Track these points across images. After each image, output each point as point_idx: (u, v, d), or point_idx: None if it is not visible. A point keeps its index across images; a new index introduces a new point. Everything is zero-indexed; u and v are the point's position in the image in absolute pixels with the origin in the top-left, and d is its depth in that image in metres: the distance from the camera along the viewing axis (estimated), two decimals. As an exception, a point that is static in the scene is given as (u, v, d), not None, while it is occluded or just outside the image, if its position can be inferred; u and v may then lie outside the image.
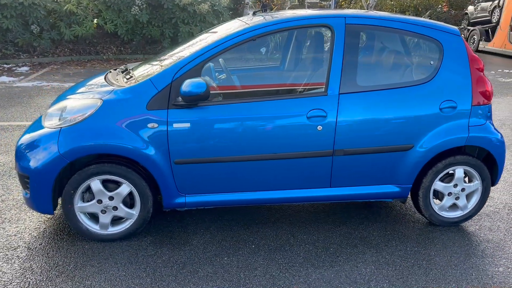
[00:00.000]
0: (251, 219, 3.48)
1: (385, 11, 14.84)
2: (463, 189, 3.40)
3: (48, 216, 3.42)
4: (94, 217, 3.11)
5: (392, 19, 3.26)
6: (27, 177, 2.97)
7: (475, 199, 3.45)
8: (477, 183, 3.41)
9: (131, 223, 3.12)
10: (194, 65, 2.98)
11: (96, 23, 11.08)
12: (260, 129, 3.03)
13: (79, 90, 3.37)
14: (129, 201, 3.09)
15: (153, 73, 3.11)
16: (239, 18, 3.88)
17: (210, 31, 3.76)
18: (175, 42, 11.93)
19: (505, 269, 2.94)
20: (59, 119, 3.02)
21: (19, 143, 3.04)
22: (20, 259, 2.90)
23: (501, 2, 15.63)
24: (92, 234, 3.10)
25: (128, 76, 3.37)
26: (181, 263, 2.91)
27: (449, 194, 3.40)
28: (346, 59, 3.10)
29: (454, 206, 3.45)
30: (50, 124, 3.05)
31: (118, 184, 3.03)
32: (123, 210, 3.07)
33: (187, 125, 2.96)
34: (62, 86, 7.94)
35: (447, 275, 2.87)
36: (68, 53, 11.08)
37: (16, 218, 3.39)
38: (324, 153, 3.13)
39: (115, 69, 3.76)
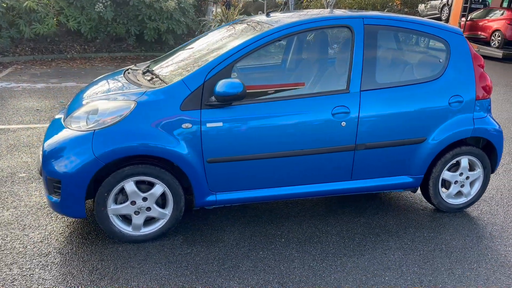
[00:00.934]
0: (273, 215, 3.59)
1: (344, 9, 15.28)
2: (467, 177, 3.68)
3: (70, 219, 3.37)
4: (125, 219, 3.11)
5: (404, 20, 3.47)
6: (58, 181, 2.92)
7: (477, 186, 3.74)
8: (479, 171, 3.70)
9: (164, 223, 3.14)
10: (225, 66, 3.04)
11: (57, 21, 10.69)
12: (288, 126, 3.15)
13: (101, 93, 3.33)
14: (160, 201, 3.11)
15: (181, 74, 3.15)
16: (244, 18, 3.97)
17: (217, 31, 3.84)
18: (141, 39, 11.76)
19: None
20: (87, 122, 2.99)
21: (46, 147, 2.98)
22: (56, 265, 2.85)
23: (449, 1, 16.52)
24: (125, 236, 3.09)
25: (149, 77, 3.37)
26: (220, 259, 2.97)
27: (455, 182, 3.67)
28: (365, 58, 3.27)
29: (459, 193, 3.72)
30: (77, 126, 3.01)
31: (151, 185, 3.04)
32: (156, 211, 3.09)
33: (220, 124, 3.02)
34: (34, 87, 7.67)
35: (467, 256, 3.12)
36: (30, 52, 10.62)
37: (36, 224, 3.31)
38: (347, 148, 3.29)
39: (130, 69, 3.75)
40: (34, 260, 2.89)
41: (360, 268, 2.94)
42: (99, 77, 3.97)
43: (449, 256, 3.12)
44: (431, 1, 18.07)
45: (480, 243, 3.30)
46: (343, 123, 3.22)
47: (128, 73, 3.61)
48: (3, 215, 3.42)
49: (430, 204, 3.81)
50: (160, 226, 3.15)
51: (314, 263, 2.98)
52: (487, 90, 3.60)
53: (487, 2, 17.16)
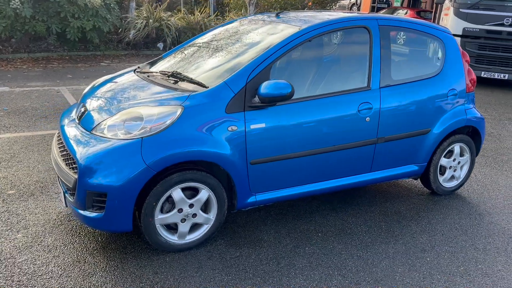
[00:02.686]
0: (297, 211, 3.68)
1: (265, 8, 15.63)
2: (459, 162, 4.10)
3: (93, 234, 3.15)
4: (169, 228, 3.00)
5: (408, 21, 3.76)
6: (102, 194, 2.73)
7: (465, 170, 4.19)
8: (467, 156, 4.14)
9: (208, 228, 3.08)
10: (264, 67, 3.06)
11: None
12: (324, 124, 3.27)
13: (129, 98, 3.14)
14: (203, 207, 3.05)
15: (215, 76, 3.11)
16: (251, 17, 4.00)
17: (220, 29, 3.85)
18: (63, 38, 10.99)
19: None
20: (129, 129, 2.82)
21: (82, 160, 2.75)
22: (110, 284, 2.67)
23: (358, 0, 17.73)
24: (171, 245, 2.98)
25: (174, 80, 3.26)
26: (273, 259, 3.00)
27: (450, 167, 4.07)
28: (382, 56, 3.50)
29: (452, 177, 4.14)
30: (114, 134, 2.84)
31: (194, 190, 2.97)
32: (202, 216, 3.03)
33: (263, 125, 3.04)
34: (-38, 93, 6.83)
35: (480, 231, 3.51)
36: None
37: (60, 244, 3.05)
38: (370, 142, 3.50)
39: (140, 71, 3.58)
40: (82, 283, 2.68)
41: (402, 252, 3.16)
42: (97, 83, 3.72)
43: (466, 234, 3.47)
44: (341, 1, 19.24)
45: (483, 220, 3.71)
46: (367, 119, 3.41)
47: (148, 76, 3.44)
48: (16, 238, 3.09)
49: (424, 189, 4.18)
50: (204, 232, 3.08)
51: (360, 252, 3.14)
52: (473, 83, 4.04)
53: (389, 2, 18.70)
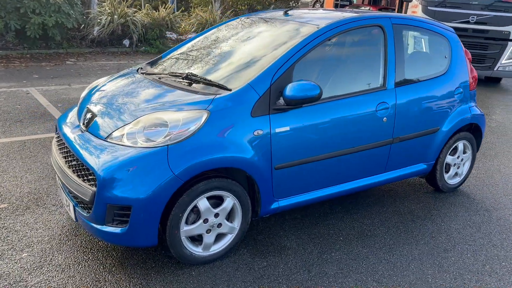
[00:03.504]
0: (312, 216, 3.58)
1: (230, 5, 15.43)
2: (462, 159, 4.15)
3: (108, 249, 2.93)
4: (193, 239, 2.83)
5: (419, 20, 3.75)
6: (126, 208, 2.53)
7: (467, 166, 4.25)
8: (469, 153, 4.20)
9: (232, 238, 2.94)
10: (288, 67, 2.94)
11: None
12: (345, 125, 3.19)
13: (142, 103, 2.92)
14: (227, 216, 2.90)
15: (242, 77, 2.95)
16: (255, 15, 3.86)
17: (225, 26, 3.70)
18: (22, 35, 10.37)
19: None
20: (151, 137, 2.63)
21: (104, 170, 2.52)
22: (140, 304, 2.48)
23: (321, -3, 17.83)
24: (196, 258, 2.82)
25: (186, 82, 3.08)
26: (303, 267, 2.90)
27: (454, 165, 4.10)
28: (396, 55, 3.46)
29: (455, 174, 4.18)
30: (134, 142, 2.63)
31: (219, 199, 2.81)
32: (227, 226, 2.88)
33: (287, 128, 2.92)
34: None
35: (492, 227, 3.56)
36: None
37: (74, 262, 2.81)
38: (386, 142, 3.45)
39: (146, 73, 3.37)
40: (105, 304, 2.46)
41: (426, 253, 3.14)
42: (97, 85, 3.47)
43: (480, 231, 3.51)
44: (304, -2, 19.30)
45: (492, 215, 3.77)
46: (385, 119, 3.37)
47: (159, 78, 3.23)
48: (22, 258, 2.81)
49: (428, 187, 4.21)
50: (229, 242, 2.93)
51: (386, 256, 3.09)
52: (475, 81, 4.09)
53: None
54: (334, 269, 2.90)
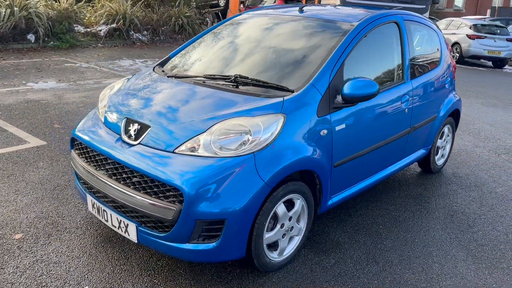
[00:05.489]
0: (340, 208, 3.67)
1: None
2: (446, 142, 4.58)
3: (172, 263, 2.74)
4: (268, 246, 2.77)
5: (418, 16, 4.01)
6: (219, 222, 2.39)
7: (448, 147, 4.70)
8: (450, 136, 4.65)
9: (300, 239, 2.93)
10: (340, 65, 2.98)
11: None
12: (384, 118, 3.34)
13: (202, 111, 2.73)
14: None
15: (302, 77, 2.92)
16: (262, 11, 3.82)
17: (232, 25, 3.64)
18: None
19: (504, 189, 4.29)
20: (223, 145, 2.50)
21: (190, 186, 2.32)
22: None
23: (227, -12, 17.76)
24: (274, 264, 2.76)
25: (231, 84, 2.96)
26: (369, 260, 2.99)
27: (442, 147, 4.51)
28: (410, 49, 3.69)
29: (441, 156, 4.60)
30: (212, 152, 2.48)
31: (290, 202, 2.79)
32: (297, 228, 2.86)
33: (343, 126, 2.98)
34: None
35: (491, 200, 4.00)
36: None
37: (152, 285, 2.58)
38: (407, 131, 3.69)
39: (176, 76, 3.17)
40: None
41: (456, 229, 3.44)
42: (117, 94, 3.17)
43: (483, 205, 3.92)
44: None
45: (484, 190, 4.23)
46: (406, 110, 3.59)
47: (204, 81, 3.03)
48: (85, 291, 2.50)
49: (416, 170, 4.57)
50: (297, 244, 2.91)
51: (428, 238, 3.32)
52: (455, 70, 4.52)
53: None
54: (396, 256, 3.04)
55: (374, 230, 3.36)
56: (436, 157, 4.48)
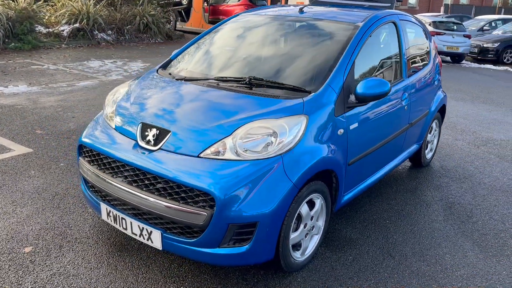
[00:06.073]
0: (350, 206, 3.72)
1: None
2: (434, 136, 4.75)
3: (198, 267, 2.71)
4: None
5: (410, 15, 4.13)
6: (251, 225, 2.39)
7: (436, 141, 4.88)
8: (437, 130, 4.83)
9: (319, 238, 2.97)
10: (351, 65, 3.04)
11: None
12: (390, 114, 3.44)
13: (227, 117, 2.70)
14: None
15: (316, 77, 2.95)
16: (259, 11, 3.83)
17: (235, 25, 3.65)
18: None
19: (490, 180, 4.50)
20: (248, 147, 2.50)
21: (222, 190, 2.30)
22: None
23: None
24: (298, 264, 2.79)
25: (245, 86, 2.95)
26: (384, 254, 3.07)
27: (431, 141, 4.69)
28: (406, 48, 3.81)
29: (430, 150, 4.77)
30: (239, 155, 2.48)
31: (310, 202, 2.82)
32: (317, 227, 2.90)
33: (356, 125, 3.03)
34: None
35: (482, 190, 4.19)
36: None
37: (172, 294, 2.55)
38: (406, 128, 3.81)
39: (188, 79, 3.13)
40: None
41: (455, 220, 3.59)
42: (125, 100, 3.08)
43: (477, 195, 4.11)
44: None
45: (474, 181, 4.43)
46: (406, 107, 3.70)
47: (218, 84, 3.00)
48: (112, 302, 2.44)
49: (406, 165, 4.72)
50: (317, 242, 2.95)
51: (435, 231, 3.44)
52: (441, 66, 4.69)
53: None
54: (408, 250, 3.14)
55: (381, 224, 3.45)
56: (426, 151, 4.64)
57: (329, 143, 2.76)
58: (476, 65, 14.84)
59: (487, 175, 4.61)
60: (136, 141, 2.70)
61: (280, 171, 2.44)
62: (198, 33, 17.62)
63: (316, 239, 2.93)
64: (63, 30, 12.13)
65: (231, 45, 3.55)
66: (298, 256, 2.77)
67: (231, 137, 2.51)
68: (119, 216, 2.68)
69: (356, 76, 3.07)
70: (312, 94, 2.80)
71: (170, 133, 2.62)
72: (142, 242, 2.97)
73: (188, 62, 3.50)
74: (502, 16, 19.96)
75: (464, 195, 4.09)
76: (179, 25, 17.84)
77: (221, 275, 2.72)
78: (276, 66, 3.18)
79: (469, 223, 3.57)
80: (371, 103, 3.16)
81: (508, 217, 3.71)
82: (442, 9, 27.32)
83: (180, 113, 2.77)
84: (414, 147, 4.26)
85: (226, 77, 3.08)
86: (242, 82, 2.96)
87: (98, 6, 13.02)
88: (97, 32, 12.67)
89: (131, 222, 2.62)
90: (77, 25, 12.26)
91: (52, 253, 2.84)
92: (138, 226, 2.58)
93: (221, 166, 2.43)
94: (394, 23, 3.71)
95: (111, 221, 2.75)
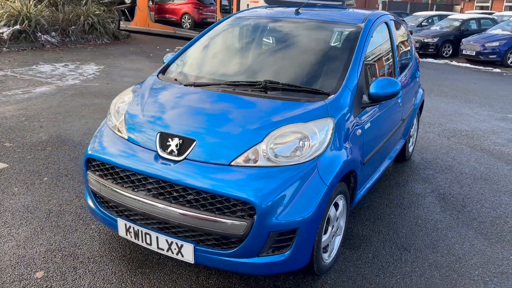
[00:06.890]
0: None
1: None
2: (415, 130, 4.95)
3: (226, 277, 2.65)
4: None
5: (396, 15, 4.26)
6: (291, 231, 2.37)
7: (416, 134, 5.08)
8: (417, 124, 5.03)
9: (340, 239, 2.99)
10: (362, 64, 3.08)
11: None
12: (392, 112, 3.54)
13: (247, 121, 2.64)
14: (332, 217, 2.95)
15: (330, 78, 2.96)
16: (250, 12, 3.80)
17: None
18: None
19: (469, 169, 4.76)
20: (279, 152, 2.48)
21: (261, 198, 2.25)
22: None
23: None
24: (326, 266, 2.79)
25: (260, 90, 2.91)
26: (400, 249, 3.14)
27: (412, 135, 4.88)
28: (396, 47, 3.93)
29: (411, 143, 4.96)
30: (272, 161, 2.44)
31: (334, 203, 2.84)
32: (340, 228, 2.93)
33: (369, 124, 3.10)
34: None
35: (467, 180, 4.42)
36: None
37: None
38: (400, 124, 3.93)
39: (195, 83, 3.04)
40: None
41: (451, 210, 3.76)
42: (135, 107, 2.94)
43: (463, 186, 4.32)
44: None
45: (455, 172, 4.66)
46: (401, 104, 3.82)
47: (234, 89, 2.92)
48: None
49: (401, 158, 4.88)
50: (339, 243, 2.97)
51: (439, 223, 3.58)
52: (419, 63, 4.89)
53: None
54: (420, 242, 3.24)
55: (388, 219, 3.53)
56: (409, 145, 4.81)
57: (353, 143, 2.79)
58: (418, 59, 15.59)
59: (465, 165, 4.86)
60: (156, 151, 2.57)
61: (316, 175, 2.43)
62: (144, 33, 17.25)
63: (338, 240, 2.95)
64: (2, 33, 11.33)
65: (233, 48, 3.48)
66: (326, 258, 2.78)
67: (263, 143, 2.46)
68: (141, 231, 2.55)
69: (364, 76, 3.11)
70: (332, 96, 2.81)
71: (195, 142, 2.52)
72: (161, 256, 2.85)
73: (191, 67, 3.39)
74: (438, 12, 21.11)
75: (451, 186, 4.28)
76: (123, 25, 17.27)
77: (251, 284, 2.67)
78: (288, 69, 3.16)
79: (465, 212, 3.75)
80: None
81: (497, 204, 3.93)
82: (380, 6, 28.45)
83: (202, 121, 2.67)
84: (401, 142, 4.41)
85: (240, 82, 3.01)
86: (258, 86, 2.90)
87: (39, 7, 12.29)
88: (40, 34, 11.97)
89: (157, 237, 2.50)
90: (17, 26, 11.51)
91: (67, 276, 2.65)
92: (166, 240, 2.47)
93: (257, 173, 2.37)
94: (386, 23, 3.80)
95: (131, 237, 2.61)
